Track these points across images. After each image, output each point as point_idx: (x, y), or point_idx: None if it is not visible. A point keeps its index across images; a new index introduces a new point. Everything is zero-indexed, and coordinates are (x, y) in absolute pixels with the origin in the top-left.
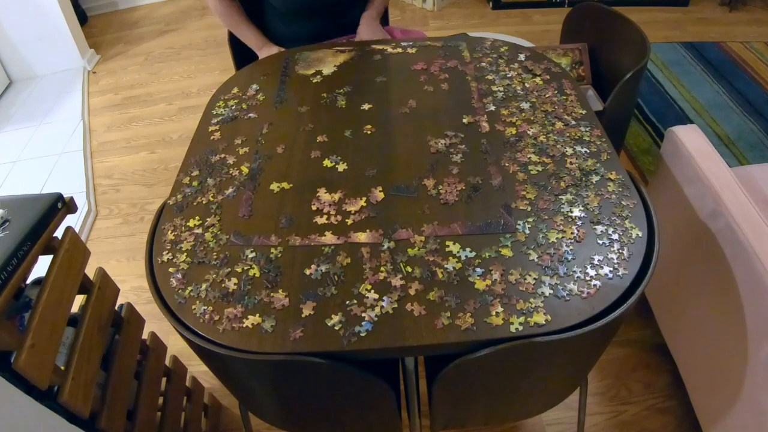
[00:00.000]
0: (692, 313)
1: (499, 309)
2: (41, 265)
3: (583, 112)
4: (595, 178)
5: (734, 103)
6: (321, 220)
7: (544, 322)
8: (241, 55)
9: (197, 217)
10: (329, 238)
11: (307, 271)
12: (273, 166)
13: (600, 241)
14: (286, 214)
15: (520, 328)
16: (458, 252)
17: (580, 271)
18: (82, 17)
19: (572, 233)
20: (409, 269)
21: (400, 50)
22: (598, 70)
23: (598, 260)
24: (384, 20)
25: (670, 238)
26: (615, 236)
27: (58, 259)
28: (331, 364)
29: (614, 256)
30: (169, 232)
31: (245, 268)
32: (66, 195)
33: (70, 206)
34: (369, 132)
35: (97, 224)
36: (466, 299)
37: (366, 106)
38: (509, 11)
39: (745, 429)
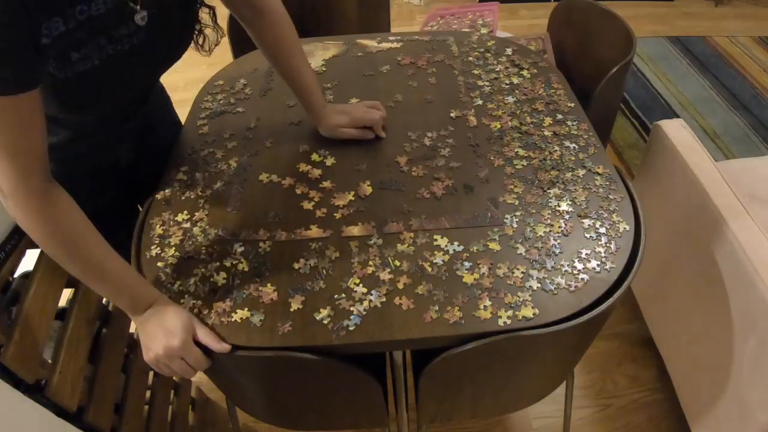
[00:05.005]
0: (678, 307)
1: (487, 303)
2: (29, 259)
3: (571, 105)
4: (582, 172)
5: (720, 97)
6: (309, 215)
7: (532, 316)
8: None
9: (186, 212)
10: (317, 232)
11: (296, 265)
12: (261, 160)
13: (587, 235)
14: (274, 209)
15: (508, 321)
16: (446, 246)
17: (567, 265)
18: None
19: (560, 227)
20: (398, 263)
21: (387, 44)
22: (584, 64)
23: (586, 254)
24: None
25: (656, 232)
26: (602, 230)
27: None
28: (319, 358)
29: (602, 250)
30: (158, 226)
31: (234, 262)
32: None
33: None
34: None
35: None
36: (454, 293)
37: (353, 100)
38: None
39: (730, 421)
